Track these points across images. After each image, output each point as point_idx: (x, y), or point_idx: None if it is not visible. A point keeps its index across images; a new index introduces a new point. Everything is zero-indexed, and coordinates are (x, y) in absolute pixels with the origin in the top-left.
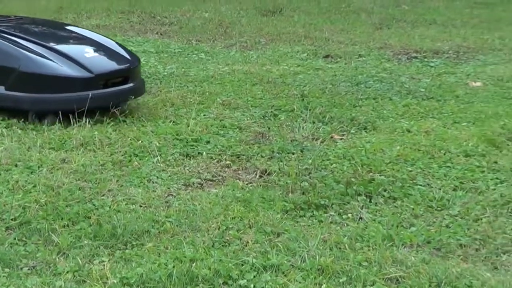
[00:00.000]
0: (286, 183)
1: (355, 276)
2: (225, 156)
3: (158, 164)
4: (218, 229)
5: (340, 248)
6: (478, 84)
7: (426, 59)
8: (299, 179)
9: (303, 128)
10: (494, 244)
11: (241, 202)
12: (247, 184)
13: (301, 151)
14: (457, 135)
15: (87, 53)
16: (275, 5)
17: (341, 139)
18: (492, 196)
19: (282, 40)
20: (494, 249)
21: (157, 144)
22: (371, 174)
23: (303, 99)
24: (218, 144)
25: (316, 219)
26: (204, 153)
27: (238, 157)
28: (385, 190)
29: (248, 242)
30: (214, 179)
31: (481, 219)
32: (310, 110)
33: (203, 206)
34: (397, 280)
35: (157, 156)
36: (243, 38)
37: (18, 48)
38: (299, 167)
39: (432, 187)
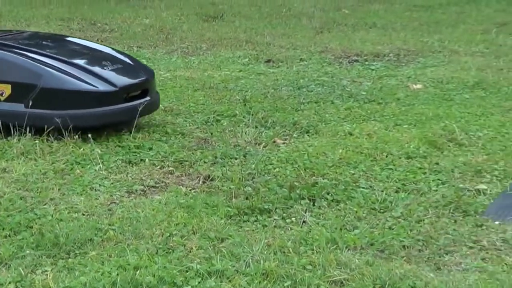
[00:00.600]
0: (230, 188)
1: (300, 280)
2: (168, 163)
3: (101, 171)
4: (162, 235)
5: (284, 252)
6: (419, 86)
7: (367, 62)
8: (242, 184)
9: (245, 133)
10: (437, 245)
11: (184, 208)
12: (190, 190)
13: (244, 156)
14: (398, 137)
15: (106, 66)
16: (216, 11)
17: (284, 143)
18: (434, 197)
19: (223, 46)
20: (436, 250)
21: (99, 151)
22: (314, 177)
23: (245, 104)
24: (161, 151)
25: (260, 224)
26: (147, 159)
27: (181, 163)
28: (328, 193)
29: (192, 248)
30: (157, 185)
31: (424, 220)
32: (252, 115)
33: (146, 213)
34: (341, 282)
35: (99, 164)
36: (184, 44)
37: (37, 64)
38: (242, 172)
39: (374, 189)
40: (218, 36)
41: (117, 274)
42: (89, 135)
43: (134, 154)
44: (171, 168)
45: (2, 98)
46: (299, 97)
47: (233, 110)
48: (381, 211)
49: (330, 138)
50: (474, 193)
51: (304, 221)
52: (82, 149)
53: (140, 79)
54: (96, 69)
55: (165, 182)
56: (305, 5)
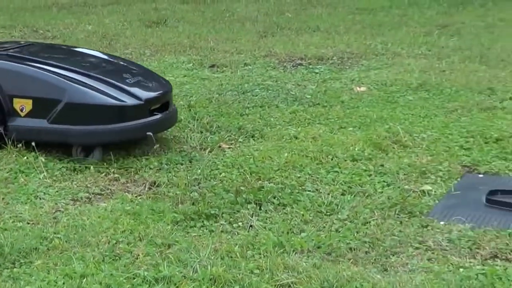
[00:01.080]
0: (176, 194)
1: (247, 284)
2: (113, 169)
3: (45, 179)
4: (108, 243)
5: (231, 257)
6: (363, 89)
7: (311, 66)
8: (188, 190)
9: (191, 139)
10: (383, 246)
11: (130, 215)
12: (136, 196)
13: (190, 162)
14: (343, 140)
15: (128, 79)
16: (159, 16)
17: (230, 148)
18: (380, 199)
19: (167, 51)
20: (383, 251)
21: (43, 159)
22: (260, 182)
23: (190, 110)
24: (106, 157)
25: (206, 229)
26: (92, 167)
27: (126, 170)
28: (274, 197)
29: (139, 255)
30: (102, 193)
31: (370, 222)
32: (197, 120)
33: (92, 220)
34: (289, 286)
35: (43, 172)
36: (128, 50)
37: (61, 79)
38: (188, 177)
39: (321, 192)
40: (162, 41)
41: (63, 283)
42: (33, 143)
43: (78, 161)
44: (116, 175)
45: (23, 114)
46: (244, 102)
47: (178, 115)
48: (328, 213)
49: (275, 142)
50: (419, 194)
51: (251, 226)
52: (25, 157)
53: (161, 91)
54: (120, 82)
55: (110, 189)
56: (249, 9)
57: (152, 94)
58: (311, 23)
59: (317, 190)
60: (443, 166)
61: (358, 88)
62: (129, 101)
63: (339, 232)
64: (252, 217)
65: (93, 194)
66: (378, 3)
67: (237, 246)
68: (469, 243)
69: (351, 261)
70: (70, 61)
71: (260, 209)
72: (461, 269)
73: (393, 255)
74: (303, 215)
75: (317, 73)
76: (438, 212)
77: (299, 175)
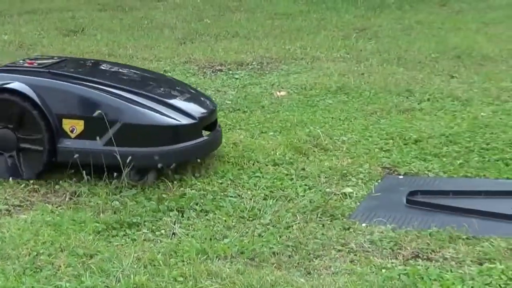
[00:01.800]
0: (97, 203)
1: None
2: (32, 181)
3: None
4: (29, 255)
5: (154, 265)
6: (283, 93)
7: (231, 72)
8: (109, 199)
9: None
10: (306, 250)
11: (51, 226)
12: (56, 207)
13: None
14: (264, 145)
15: (179, 97)
16: (77, 25)
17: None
18: (302, 203)
19: None
20: (306, 255)
21: None
22: (182, 188)
23: None
24: None
25: (129, 238)
26: (10, 178)
27: (46, 181)
28: (197, 204)
29: (60, 266)
30: (22, 204)
31: (292, 226)
32: None
33: (12, 233)
34: None
35: None
36: None
37: (116, 99)
38: (109, 186)
39: (243, 197)
40: (80, 50)
41: None
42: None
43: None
44: (36, 186)
45: (73, 135)
46: None
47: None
48: (250, 219)
49: None
50: (340, 197)
51: (173, 233)
52: None
53: (211, 109)
54: (173, 101)
55: (30, 201)
56: (167, 16)
57: (204, 112)
58: (230, 29)
59: (239, 195)
60: (364, 168)
61: (278, 93)
62: (185, 120)
63: (262, 237)
64: (174, 224)
65: (12, 206)
66: (296, 8)
67: (160, 254)
68: (391, 244)
69: (274, 265)
70: (117, 78)
71: (182, 216)
72: (383, 270)
73: (316, 258)
74: (225, 221)
75: (237, 78)
76: (360, 214)
77: (221, 181)
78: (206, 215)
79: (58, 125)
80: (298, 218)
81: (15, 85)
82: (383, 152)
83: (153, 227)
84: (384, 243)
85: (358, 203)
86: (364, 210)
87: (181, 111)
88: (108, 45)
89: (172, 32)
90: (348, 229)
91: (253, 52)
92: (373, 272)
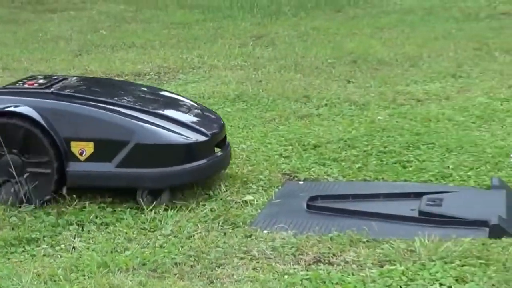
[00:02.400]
0: None
1: None
2: None
3: None
4: None
5: (55, 281)
6: None
7: None
8: (7, 215)
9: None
10: (208, 259)
11: None
12: None
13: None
14: None
15: (187, 113)
16: None
17: None
18: (203, 212)
19: None
20: (208, 264)
21: None
22: (82, 202)
23: None
24: None
25: (28, 254)
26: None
27: None
28: (96, 217)
29: None
30: None
31: (194, 235)
32: None
33: None
34: None
35: None
36: None
37: (127, 118)
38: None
39: (143, 209)
40: None
41: None
42: None
43: None
44: None
45: (83, 158)
46: None
47: None
48: (151, 230)
49: None
50: (241, 205)
51: (73, 247)
52: None
53: (220, 124)
54: (183, 118)
55: None
56: (62, 28)
57: (215, 129)
58: (126, 40)
59: (140, 207)
60: (264, 175)
61: None
62: (198, 138)
63: (164, 247)
64: (74, 238)
65: None
66: (192, 17)
67: (60, 269)
68: (293, 249)
69: (177, 276)
70: (123, 97)
71: (82, 230)
72: (286, 276)
73: (219, 267)
74: (126, 233)
75: None
76: (261, 221)
77: (121, 193)
78: (106, 227)
79: (66, 149)
80: (200, 227)
81: (20, 108)
82: (283, 159)
83: (53, 242)
84: (286, 249)
85: (259, 210)
86: (265, 217)
87: (193, 129)
88: (2, 59)
89: (67, 44)
90: (250, 236)
91: (150, 62)
92: (275, 279)
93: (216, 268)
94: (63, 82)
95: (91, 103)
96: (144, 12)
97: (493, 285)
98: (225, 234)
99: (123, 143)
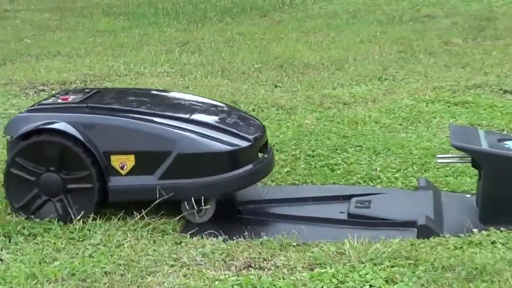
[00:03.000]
0: None
1: None
2: None
3: None
4: None
5: None
6: None
7: (54, 91)
8: None
9: None
10: (139, 267)
11: None
12: None
13: None
14: None
15: (228, 119)
16: None
17: None
18: (132, 220)
19: None
20: (139, 272)
21: None
22: (9, 214)
23: None
24: None
25: None
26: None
27: None
28: (24, 228)
29: None
30: None
31: (123, 244)
32: None
33: None
34: None
35: None
36: None
37: (167, 128)
38: None
39: (72, 219)
40: None
41: None
42: None
43: None
44: None
45: (124, 172)
46: None
47: None
48: (80, 239)
49: None
50: (171, 212)
51: (1, 259)
52: None
53: (262, 129)
54: (224, 125)
55: None
56: None
57: (257, 133)
58: (51, 48)
59: (68, 217)
60: None
61: None
62: (242, 144)
63: (93, 257)
64: (1, 250)
65: None
66: (118, 24)
67: None
68: (223, 255)
69: (107, 285)
70: (161, 106)
71: (10, 241)
72: (216, 282)
73: (149, 275)
74: (54, 243)
75: None
76: (191, 228)
77: None
78: (34, 238)
79: (106, 163)
80: (129, 236)
81: (57, 125)
82: None
83: None
84: (216, 255)
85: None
86: (195, 224)
87: (235, 134)
88: None
89: None
90: (180, 243)
91: (76, 70)
92: (206, 285)
93: (147, 276)
94: (96, 95)
95: (129, 114)
96: (69, 20)
97: (422, 284)
98: (155, 242)
99: (165, 154)
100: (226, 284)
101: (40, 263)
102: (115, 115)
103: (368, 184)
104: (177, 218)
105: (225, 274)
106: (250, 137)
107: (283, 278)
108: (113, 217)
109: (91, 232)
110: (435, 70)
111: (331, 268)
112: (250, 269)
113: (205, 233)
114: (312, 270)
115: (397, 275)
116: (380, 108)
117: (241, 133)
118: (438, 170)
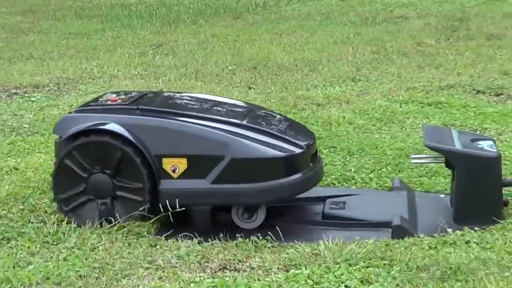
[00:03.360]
0: None
1: None
2: None
3: None
4: None
5: None
6: None
7: (27, 95)
8: None
9: None
10: (113, 270)
11: None
12: None
13: None
14: None
15: (279, 125)
16: None
17: None
18: (107, 224)
19: None
20: (114, 275)
21: None
22: None
23: None
24: None
25: None
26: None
27: None
28: None
29: None
30: None
31: (98, 247)
32: None
33: None
34: None
35: None
36: None
37: (221, 132)
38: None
39: (46, 222)
40: None
41: None
42: None
43: None
44: None
45: (175, 175)
46: None
47: None
48: (54, 243)
49: None
50: (146, 214)
51: None
52: None
53: (312, 136)
54: (276, 131)
55: None
56: None
57: (309, 140)
58: (23, 51)
59: (42, 221)
60: None
61: None
62: (295, 150)
63: (68, 260)
64: None
65: None
66: (91, 26)
67: None
68: (198, 257)
69: None
70: (212, 111)
71: None
72: (192, 284)
73: (124, 278)
74: (29, 247)
75: (33, 101)
76: (166, 230)
77: (22, 207)
78: (8, 242)
79: (158, 166)
80: (104, 239)
81: (109, 125)
82: None
83: None
84: (191, 257)
85: (164, 219)
86: (170, 226)
87: (288, 141)
88: None
89: None
90: (155, 246)
91: (49, 73)
92: (181, 287)
93: (122, 279)
94: (144, 97)
95: (181, 117)
96: (41, 23)
97: (397, 285)
98: (129, 244)
99: (218, 158)
100: (201, 286)
101: (14, 267)
102: (167, 118)
103: (342, 185)
104: (152, 220)
105: (200, 276)
106: (303, 144)
107: (259, 280)
108: (87, 220)
109: (66, 235)
110: (408, 71)
111: (306, 269)
112: (225, 271)
113: (181, 235)
114: (287, 271)
115: (372, 275)
116: (354, 109)
117: (294, 140)
118: (412, 170)
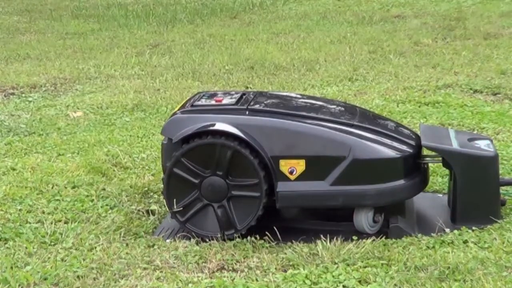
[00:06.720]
0: None
1: None
2: None
3: None
4: None
5: None
6: (79, 114)
7: (24, 95)
8: None
9: None
10: (111, 271)
11: None
12: None
13: None
14: (63, 168)
15: (388, 126)
16: None
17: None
18: (105, 224)
19: None
20: (111, 276)
21: None
22: None
23: None
24: None
25: None
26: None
27: None
28: None
29: None
30: None
31: (96, 247)
32: None
33: None
34: None
35: None
36: None
37: (339, 133)
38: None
39: (43, 222)
40: None
41: None
42: None
43: None
44: None
45: (293, 177)
46: None
47: None
48: (52, 243)
49: None
50: (143, 214)
51: None
52: None
53: (419, 137)
54: (389, 131)
55: None
56: None
57: (417, 139)
58: (20, 51)
59: (39, 221)
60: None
61: (73, 114)
62: (410, 151)
63: (65, 261)
64: None
65: None
66: (87, 26)
67: None
68: (196, 257)
69: None
70: (323, 111)
71: None
72: (190, 285)
73: (122, 278)
74: (26, 248)
75: (30, 101)
76: (164, 231)
77: (19, 208)
78: (5, 243)
79: (275, 168)
80: (101, 239)
81: (224, 126)
82: None
83: None
84: (189, 258)
85: (162, 220)
86: (168, 226)
87: (402, 141)
88: None
89: None
90: (153, 246)
91: (46, 73)
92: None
93: (120, 280)
94: (248, 97)
95: (294, 118)
96: (38, 23)
97: (395, 284)
98: (127, 245)
99: (339, 159)
100: (199, 287)
101: (11, 268)
102: (280, 118)
103: None
104: (150, 221)
105: (198, 277)
106: (414, 143)
107: (257, 280)
108: (85, 220)
109: (63, 236)
110: (406, 70)
111: (304, 269)
112: (223, 271)
113: (178, 235)
114: (285, 271)
115: (370, 275)
116: None
117: (406, 140)
118: None
